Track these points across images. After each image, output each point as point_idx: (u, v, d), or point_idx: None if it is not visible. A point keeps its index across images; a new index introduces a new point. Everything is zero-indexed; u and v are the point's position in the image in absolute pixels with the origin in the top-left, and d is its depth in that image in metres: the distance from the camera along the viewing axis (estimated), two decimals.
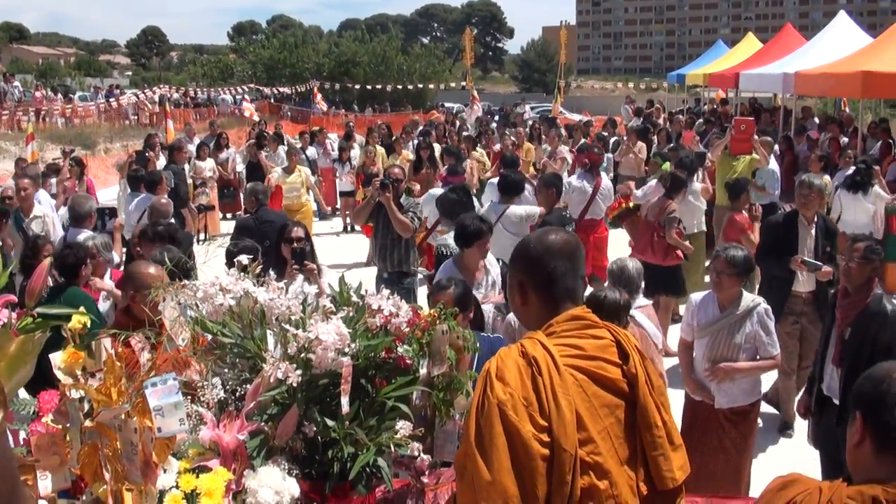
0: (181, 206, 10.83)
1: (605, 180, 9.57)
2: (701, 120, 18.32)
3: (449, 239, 8.24)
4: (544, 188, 7.75)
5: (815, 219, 6.40)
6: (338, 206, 15.59)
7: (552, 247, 2.32)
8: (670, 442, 2.22)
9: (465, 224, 5.68)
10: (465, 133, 17.24)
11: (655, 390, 2.25)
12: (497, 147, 14.93)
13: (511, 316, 4.98)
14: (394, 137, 15.77)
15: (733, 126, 10.32)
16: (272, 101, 42.71)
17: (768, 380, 6.39)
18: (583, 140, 14.97)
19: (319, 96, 28.29)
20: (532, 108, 40.42)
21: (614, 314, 4.11)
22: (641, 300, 5.16)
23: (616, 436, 2.17)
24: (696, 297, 5.05)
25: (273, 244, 5.57)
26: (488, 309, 5.30)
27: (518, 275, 2.38)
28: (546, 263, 2.30)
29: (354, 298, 2.64)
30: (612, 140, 15.39)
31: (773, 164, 10.66)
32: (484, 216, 6.20)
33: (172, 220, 7.43)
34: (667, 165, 10.05)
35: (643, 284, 5.25)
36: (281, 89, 43.79)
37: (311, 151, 15.79)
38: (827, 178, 10.02)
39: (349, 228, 14.60)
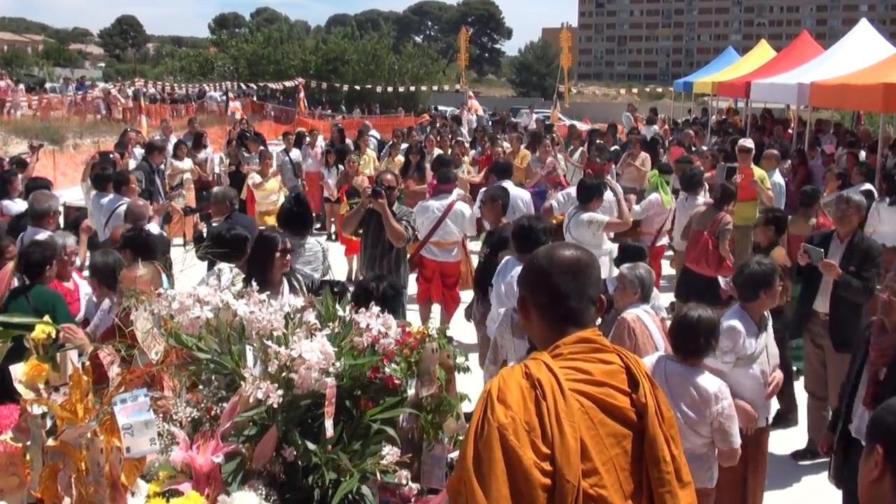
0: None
1: (608, 193, 9.61)
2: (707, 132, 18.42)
3: (438, 254, 8.25)
4: (490, 202, 7.50)
5: (853, 237, 6.37)
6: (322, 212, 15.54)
7: (557, 263, 2.29)
8: (678, 479, 2.21)
9: (523, 226, 5.76)
10: (458, 138, 17.26)
11: (665, 422, 2.24)
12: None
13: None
14: (391, 142, 15.80)
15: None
16: (255, 99, 42.71)
17: None
18: (581, 149, 15.02)
19: (302, 94, 28.30)
20: (524, 115, 40.61)
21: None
22: (645, 306, 5.21)
23: (622, 468, 2.15)
24: (734, 323, 4.87)
25: (257, 255, 5.49)
26: None
27: (521, 289, 2.37)
28: (548, 281, 2.28)
29: (341, 313, 2.64)
30: (612, 150, 15.46)
31: (778, 177, 10.76)
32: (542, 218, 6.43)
33: (151, 225, 7.38)
34: (656, 179, 10.09)
35: (647, 289, 5.31)
36: (263, 85, 43.77)
37: (295, 154, 15.76)
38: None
39: (334, 237, 14.56)
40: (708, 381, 4.18)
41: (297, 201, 6.63)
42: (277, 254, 5.11)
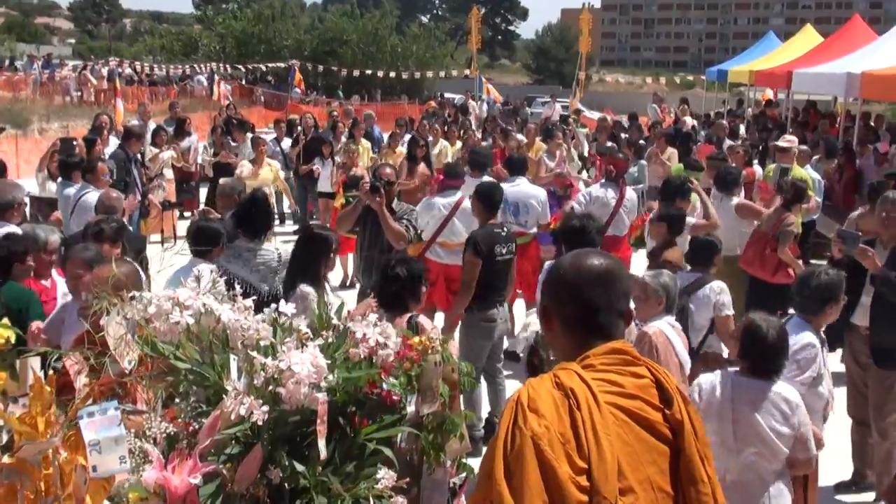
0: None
1: (631, 192, 9.62)
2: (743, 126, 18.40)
3: (444, 256, 8.24)
4: (475, 198, 7.48)
5: None
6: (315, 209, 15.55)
7: (587, 274, 2.34)
8: (715, 501, 2.25)
9: (574, 225, 5.95)
10: (469, 129, 17.30)
11: (699, 440, 2.28)
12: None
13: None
14: (390, 133, 15.82)
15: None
16: (243, 82, 42.84)
17: None
18: (608, 145, 15.02)
19: (299, 76, 28.33)
20: (546, 105, 40.50)
21: None
22: (669, 318, 5.28)
23: (659, 488, 2.18)
24: (810, 338, 4.92)
25: (307, 254, 5.66)
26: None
27: (545, 299, 2.41)
28: (577, 294, 2.33)
29: (335, 322, 2.64)
30: (639, 144, 15.44)
31: (811, 171, 10.88)
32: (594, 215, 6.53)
33: (122, 219, 7.40)
34: (676, 167, 10.09)
35: (672, 299, 5.38)
36: (253, 67, 43.86)
37: (287, 144, 15.78)
38: None
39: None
40: (788, 390, 4.30)
41: (255, 201, 6.58)
42: (330, 254, 5.54)
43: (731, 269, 8.77)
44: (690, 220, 8.24)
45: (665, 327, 5.13)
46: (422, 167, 12.67)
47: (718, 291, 6.42)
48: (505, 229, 7.16)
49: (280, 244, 6.75)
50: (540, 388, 2.18)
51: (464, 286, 6.99)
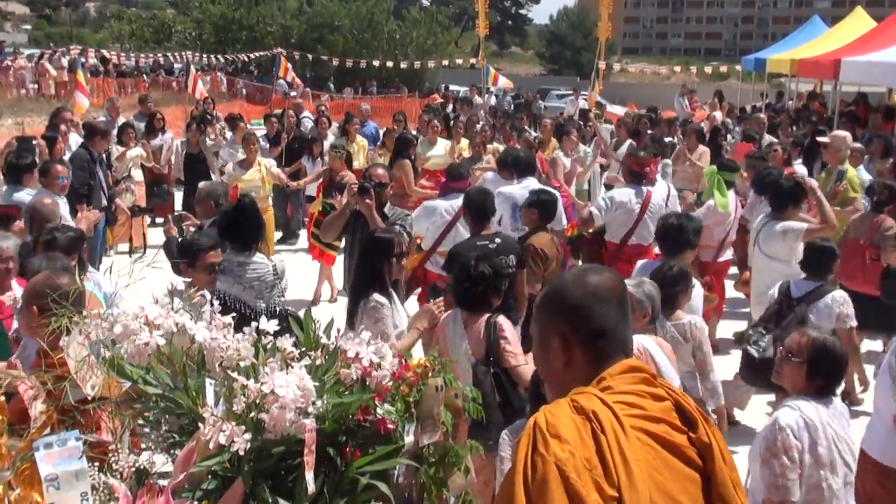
0: (104, 206, 10.83)
1: (658, 195, 9.60)
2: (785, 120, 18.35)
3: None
4: (464, 205, 7.66)
5: None
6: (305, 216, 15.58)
7: (599, 290, 2.44)
8: None
9: (672, 224, 6.17)
10: (477, 125, 17.33)
11: (728, 464, 2.34)
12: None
13: None
14: (384, 130, 15.85)
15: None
16: (223, 73, 42.93)
17: None
18: (629, 142, 15.00)
19: (288, 65, 28.36)
20: (568, 100, 40.49)
21: None
22: (649, 337, 5.43)
23: None
24: None
25: (367, 260, 5.84)
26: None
27: (557, 326, 2.45)
28: (596, 311, 2.41)
29: (324, 340, 2.64)
30: (667, 141, 15.44)
31: (863, 173, 11.03)
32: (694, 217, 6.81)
33: (71, 225, 7.34)
34: (712, 177, 10.04)
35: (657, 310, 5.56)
36: (234, 56, 43.97)
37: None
38: None
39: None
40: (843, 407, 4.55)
41: (242, 208, 6.61)
42: (393, 259, 5.75)
43: None
44: (801, 225, 8.32)
45: (648, 342, 5.27)
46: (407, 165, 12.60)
47: (841, 302, 6.70)
48: (497, 240, 7.16)
49: (277, 255, 6.76)
50: (558, 412, 2.22)
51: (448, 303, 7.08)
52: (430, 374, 2.65)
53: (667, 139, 15.73)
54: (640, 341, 5.24)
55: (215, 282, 5.90)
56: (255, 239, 6.53)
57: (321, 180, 12.31)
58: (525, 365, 5.23)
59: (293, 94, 29.61)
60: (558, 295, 2.48)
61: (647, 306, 5.43)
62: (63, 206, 8.67)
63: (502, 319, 5.45)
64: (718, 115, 20.92)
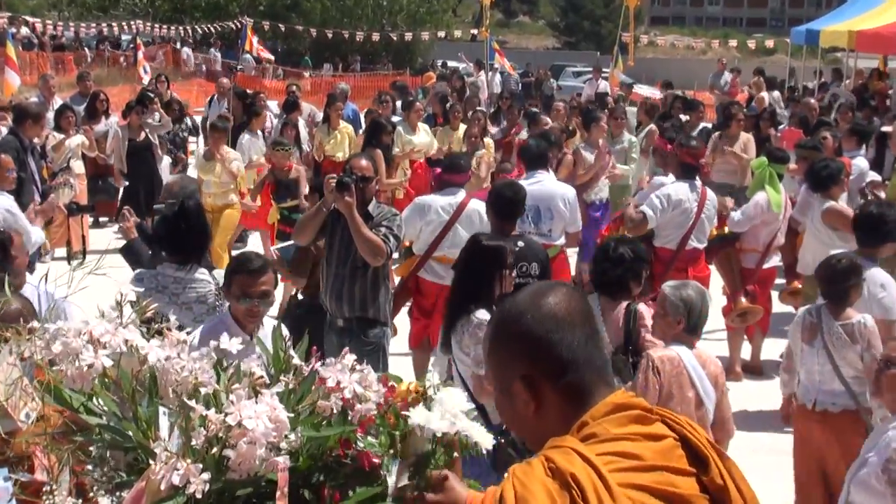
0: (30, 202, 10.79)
1: (711, 193, 9.60)
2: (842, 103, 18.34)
3: (444, 276, 8.24)
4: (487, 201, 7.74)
5: None
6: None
7: (558, 312, 2.39)
8: None
9: (871, 213, 6.53)
10: (476, 109, 17.38)
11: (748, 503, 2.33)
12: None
13: None
14: (366, 111, 15.81)
15: None
16: (178, 46, 42.90)
17: None
18: (650, 127, 14.98)
19: (256, 41, 28.30)
20: (578, 75, 40.43)
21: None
22: (683, 347, 5.58)
23: None
24: None
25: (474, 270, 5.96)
26: None
27: (516, 365, 2.39)
28: (560, 338, 2.36)
29: (297, 362, 2.64)
30: (700, 128, 15.43)
31: None
32: None
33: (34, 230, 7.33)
34: (764, 171, 10.02)
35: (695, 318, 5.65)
36: (190, 28, 43.94)
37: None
38: None
39: None
40: None
41: (184, 214, 6.46)
42: (506, 270, 5.90)
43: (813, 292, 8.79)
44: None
45: (684, 353, 5.44)
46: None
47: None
48: (519, 244, 7.17)
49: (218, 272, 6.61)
50: (529, 479, 2.17)
51: None
52: (420, 402, 2.64)
53: (702, 125, 15.71)
54: (675, 350, 5.45)
55: (258, 315, 5.61)
56: (197, 251, 6.43)
57: (264, 185, 12.26)
58: None
59: (239, 68, 29.50)
60: (510, 327, 2.42)
61: (682, 312, 5.54)
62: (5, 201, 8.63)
63: (643, 307, 5.98)
64: (766, 96, 20.90)
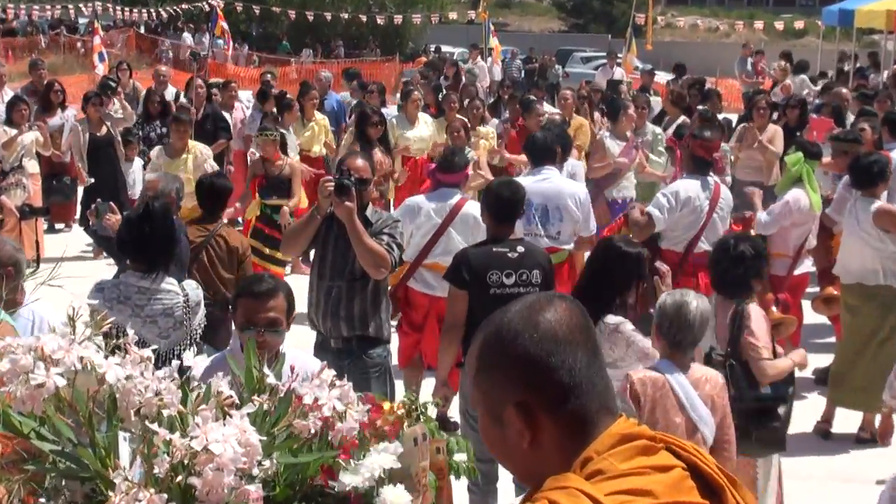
0: None
1: (726, 191, 9.58)
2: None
3: (436, 286, 8.23)
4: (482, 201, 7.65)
5: None
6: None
7: (559, 329, 2.32)
8: None
9: None
10: (474, 99, 17.40)
11: None
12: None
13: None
14: (355, 102, 15.75)
15: None
16: (141, 30, 42.90)
17: None
18: (682, 119, 14.96)
19: (224, 25, 28.24)
20: (587, 61, 40.42)
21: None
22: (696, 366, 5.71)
23: None
24: None
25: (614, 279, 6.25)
26: None
27: (510, 390, 2.32)
28: (560, 360, 2.29)
29: (272, 381, 2.65)
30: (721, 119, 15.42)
31: None
32: None
33: None
34: (798, 167, 9.99)
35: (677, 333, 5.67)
36: (155, 10, 43.96)
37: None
38: None
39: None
40: None
41: (149, 216, 6.41)
42: (643, 281, 6.34)
43: (879, 305, 8.82)
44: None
45: (671, 373, 5.48)
46: (378, 155, 12.46)
47: None
48: (519, 249, 7.14)
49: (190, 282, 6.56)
50: None
51: (446, 331, 7.09)
52: (408, 422, 2.65)
53: (721, 116, 15.71)
54: (657, 372, 5.52)
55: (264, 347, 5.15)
56: (164, 258, 6.35)
57: (257, 175, 12.19)
58: (768, 360, 6.28)
59: (204, 54, 29.45)
60: (503, 346, 2.33)
61: (672, 325, 5.58)
62: None
63: (753, 308, 6.44)
64: (791, 82, 20.90)
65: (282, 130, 13.63)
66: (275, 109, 15.14)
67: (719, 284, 6.80)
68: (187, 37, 42.32)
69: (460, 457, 2.91)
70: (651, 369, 5.58)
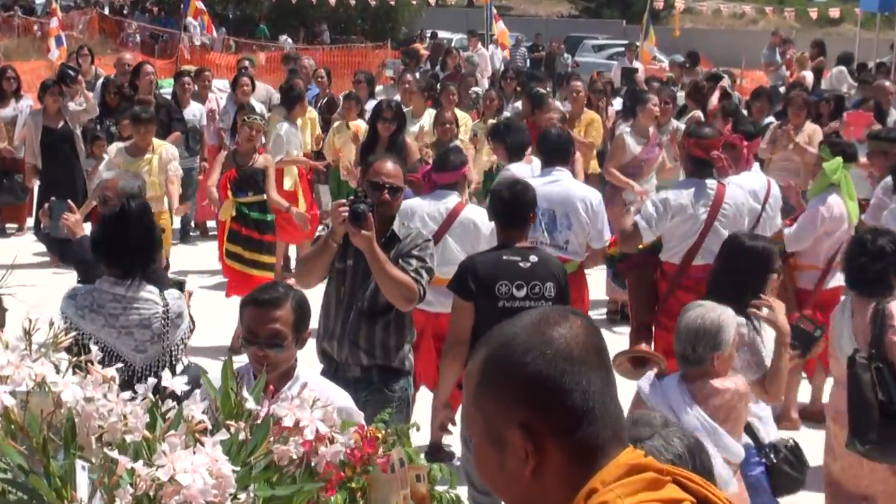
0: None
1: (734, 195, 9.50)
2: None
3: (432, 300, 8.20)
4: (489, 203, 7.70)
5: None
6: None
7: (572, 346, 2.33)
8: None
9: None
10: (473, 90, 17.40)
11: None
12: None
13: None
14: (346, 93, 15.76)
15: None
16: (107, 12, 42.94)
17: None
18: (694, 113, 14.98)
19: (200, 5, 28.23)
20: (600, 49, 40.45)
21: None
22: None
23: None
24: None
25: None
26: None
27: (514, 412, 2.32)
28: (572, 381, 2.29)
29: (251, 405, 2.64)
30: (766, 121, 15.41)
31: None
32: None
33: None
34: (835, 170, 9.94)
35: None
36: None
37: (195, 110, 15.68)
38: None
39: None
40: None
41: (125, 216, 6.32)
42: (774, 275, 6.65)
43: None
44: None
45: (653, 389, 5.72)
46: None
47: None
48: (532, 258, 7.08)
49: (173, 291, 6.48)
50: None
51: (449, 348, 7.04)
52: (382, 447, 2.66)
53: (767, 120, 15.69)
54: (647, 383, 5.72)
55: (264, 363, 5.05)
56: (142, 263, 6.24)
57: (228, 170, 12.05)
58: None
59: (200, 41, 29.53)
60: (512, 362, 2.33)
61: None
62: None
63: (894, 305, 6.58)
64: (808, 74, 20.97)
65: (286, 125, 13.69)
66: (268, 103, 15.29)
67: (856, 282, 6.96)
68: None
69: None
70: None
